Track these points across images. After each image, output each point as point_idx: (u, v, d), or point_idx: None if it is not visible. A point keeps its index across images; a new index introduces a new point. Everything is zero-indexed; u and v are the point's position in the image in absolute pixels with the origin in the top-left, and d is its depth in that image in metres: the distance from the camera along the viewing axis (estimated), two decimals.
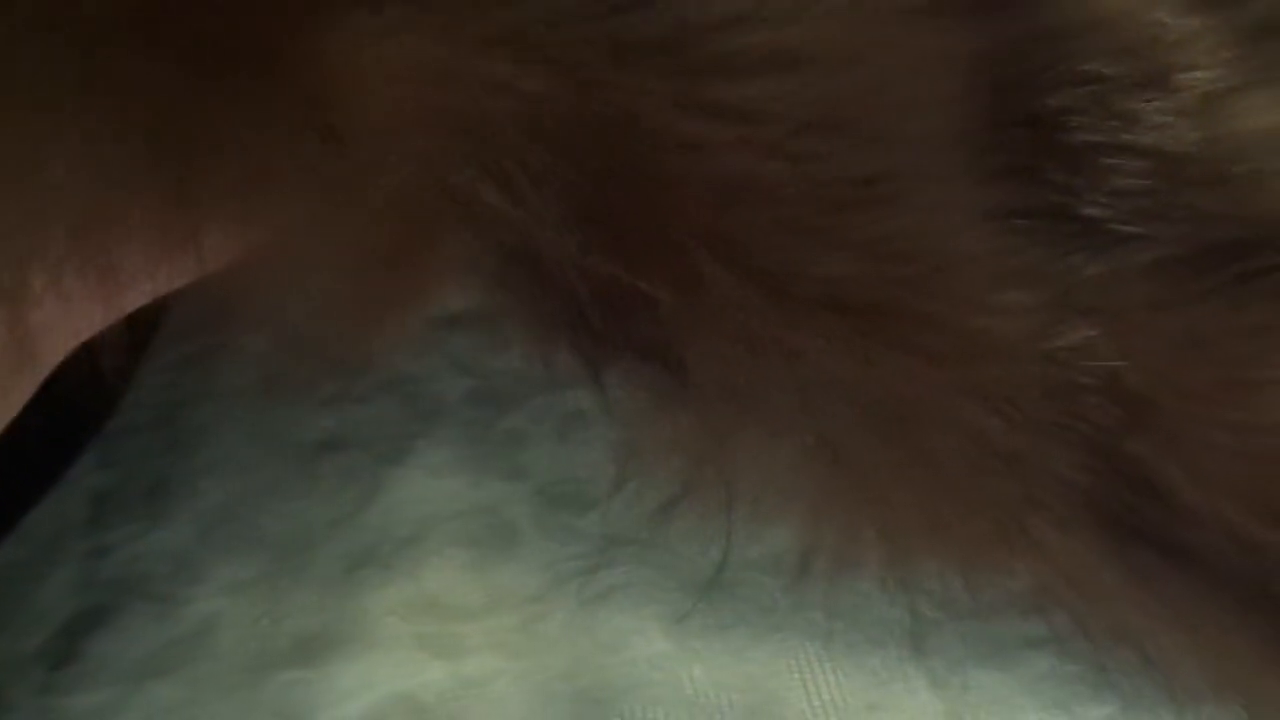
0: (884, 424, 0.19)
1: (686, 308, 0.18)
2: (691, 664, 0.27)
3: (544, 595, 0.28)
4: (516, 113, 0.16)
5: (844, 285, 0.18)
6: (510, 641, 0.28)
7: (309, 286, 0.18)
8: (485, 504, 0.29)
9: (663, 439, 0.20)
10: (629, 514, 0.26)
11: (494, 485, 0.29)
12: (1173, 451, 0.19)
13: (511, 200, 0.17)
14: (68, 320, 0.19)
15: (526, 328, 0.19)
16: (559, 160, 0.17)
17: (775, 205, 0.17)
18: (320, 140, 0.17)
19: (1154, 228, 0.18)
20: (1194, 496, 0.19)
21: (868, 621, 0.26)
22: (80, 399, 0.22)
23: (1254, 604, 0.19)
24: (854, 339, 0.18)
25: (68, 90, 0.16)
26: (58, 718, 0.27)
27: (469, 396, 0.30)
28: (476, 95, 0.16)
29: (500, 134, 0.17)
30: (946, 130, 0.18)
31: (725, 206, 0.17)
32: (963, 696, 0.26)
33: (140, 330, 0.22)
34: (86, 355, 0.20)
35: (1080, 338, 0.18)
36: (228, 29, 0.16)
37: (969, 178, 0.18)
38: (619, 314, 0.18)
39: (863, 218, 0.17)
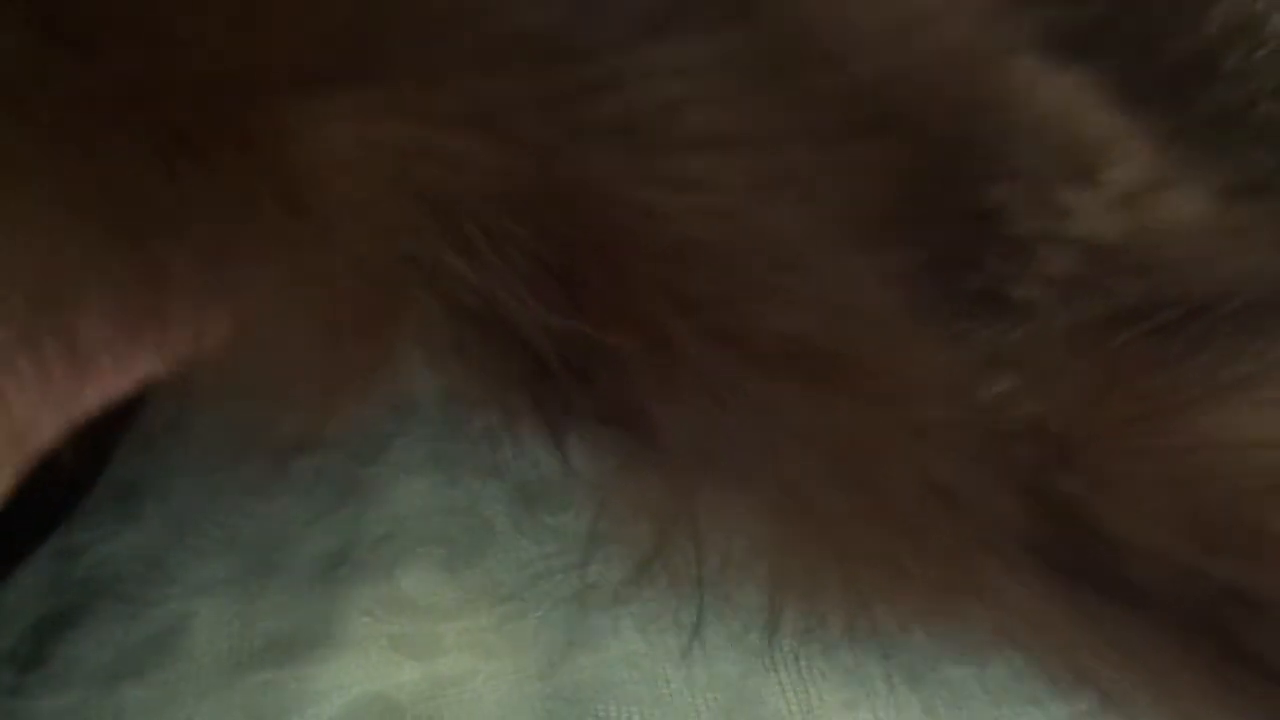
0: (845, 471, 0.19)
1: (653, 364, 0.19)
2: (667, 663, 0.27)
3: (520, 594, 0.28)
4: (479, 184, 0.17)
5: (798, 338, 0.19)
6: (485, 641, 0.28)
7: (277, 356, 0.18)
8: (461, 502, 0.29)
9: (632, 501, 0.21)
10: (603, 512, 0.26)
11: (470, 483, 0.29)
12: (1101, 486, 0.19)
13: (474, 264, 0.18)
14: (51, 404, 0.19)
15: (489, 395, 0.19)
16: (522, 226, 0.17)
17: (728, 266, 0.18)
18: (287, 212, 0.17)
19: (1077, 305, 0.19)
20: (1126, 528, 0.19)
21: None
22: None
23: (1198, 636, 0.20)
24: (812, 388, 0.19)
25: (29, 162, 0.16)
26: None
27: (445, 394, 0.30)
28: (439, 169, 0.17)
29: (463, 203, 0.17)
30: (875, 207, 0.19)
31: (684, 267, 0.18)
32: (938, 692, 0.25)
33: None
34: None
35: (1004, 389, 0.19)
36: (198, 107, 0.17)
37: (896, 252, 0.19)
38: (584, 375, 0.19)
39: (804, 276, 0.18)
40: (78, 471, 0.22)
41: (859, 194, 0.19)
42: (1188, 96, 0.22)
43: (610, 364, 0.19)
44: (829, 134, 0.18)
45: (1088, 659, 0.21)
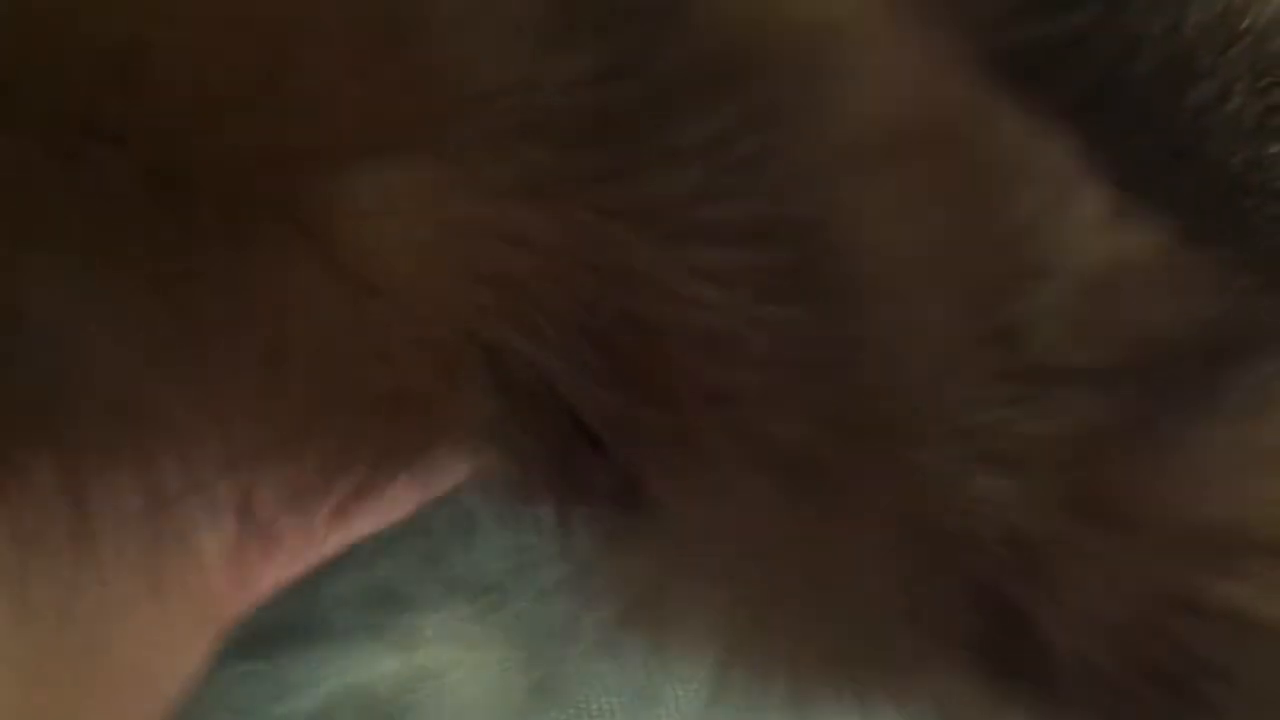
0: (808, 578, 0.20)
1: (670, 447, 0.19)
2: (648, 655, 0.28)
3: (501, 585, 0.28)
4: (536, 264, 0.17)
5: (790, 445, 0.19)
6: (466, 632, 0.28)
7: (336, 427, 0.18)
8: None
9: (613, 575, 0.21)
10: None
11: None
12: (1049, 594, 0.20)
13: (533, 341, 0.18)
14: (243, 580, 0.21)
15: (512, 466, 0.19)
16: (574, 305, 0.18)
17: (742, 361, 0.18)
18: (348, 288, 0.17)
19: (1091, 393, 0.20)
20: (1066, 641, 0.20)
21: None
22: None
23: None
24: (792, 495, 0.19)
25: (91, 254, 0.16)
26: None
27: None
28: (498, 247, 0.17)
29: (523, 282, 0.17)
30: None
31: (707, 357, 0.18)
32: None
33: None
34: None
35: (993, 487, 0.19)
36: (251, 188, 0.16)
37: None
38: (604, 447, 0.19)
39: (818, 381, 0.19)
40: None
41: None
42: (1148, 119, 0.22)
43: (630, 438, 0.19)
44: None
45: None
